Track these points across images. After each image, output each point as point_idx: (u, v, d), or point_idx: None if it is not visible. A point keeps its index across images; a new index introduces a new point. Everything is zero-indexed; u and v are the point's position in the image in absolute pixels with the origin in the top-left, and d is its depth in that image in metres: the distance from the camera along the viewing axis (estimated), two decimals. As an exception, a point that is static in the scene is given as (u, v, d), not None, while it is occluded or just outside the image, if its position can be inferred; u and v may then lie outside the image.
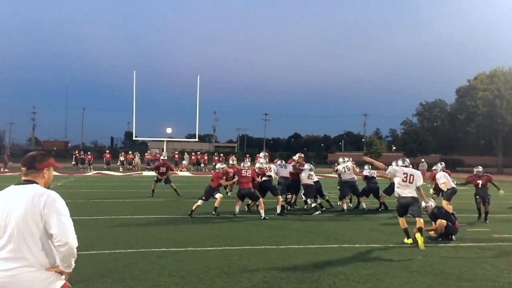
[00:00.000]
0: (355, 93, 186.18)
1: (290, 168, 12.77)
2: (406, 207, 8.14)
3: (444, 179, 11.51)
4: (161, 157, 17.72)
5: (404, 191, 8.09)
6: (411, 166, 8.55)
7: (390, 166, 8.55)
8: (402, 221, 8.34)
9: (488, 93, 52.52)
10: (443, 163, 13.07)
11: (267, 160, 13.12)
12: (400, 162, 8.70)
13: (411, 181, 8.02)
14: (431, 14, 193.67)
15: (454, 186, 11.53)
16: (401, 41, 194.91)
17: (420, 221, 7.86)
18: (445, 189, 11.45)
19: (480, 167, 11.67)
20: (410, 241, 8.12)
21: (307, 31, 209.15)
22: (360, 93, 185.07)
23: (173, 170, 36.26)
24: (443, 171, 12.02)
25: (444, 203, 10.86)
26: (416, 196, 8.14)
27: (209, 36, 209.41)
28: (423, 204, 8.78)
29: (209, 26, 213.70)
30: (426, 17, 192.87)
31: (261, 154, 13.16)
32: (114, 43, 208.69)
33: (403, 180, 8.07)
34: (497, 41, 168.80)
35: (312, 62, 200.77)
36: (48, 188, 2.79)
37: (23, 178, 2.72)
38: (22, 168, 2.72)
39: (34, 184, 2.67)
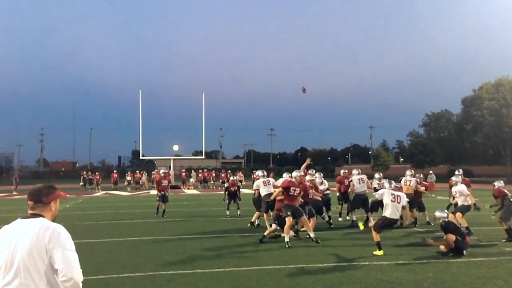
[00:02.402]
0: (360, 106, 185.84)
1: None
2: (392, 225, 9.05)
3: (467, 192, 10.95)
4: (162, 171, 17.52)
5: (396, 211, 8.82)
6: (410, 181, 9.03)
7: (377, 193, 9.30)
8: (377, 236, 8.83)
9: (494, 102, 52.34)
10: (460, 170, 12.67)
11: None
12: (387, 185, 9.25)
13: (398, 201, 8.81)
14: (435, 25, 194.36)
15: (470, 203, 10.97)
16: (405, 52, 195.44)
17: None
18: (467, 203, 10.81)
19: (500, 181, 10.93)
20: (381, 252, 8.56)
21: (311, 44, 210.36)
22: (366, 105, 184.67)
23: (179, 187, 36.52)
24: (463, 181, 11.54)
25: (458, 216, 10.62)
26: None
27: (213, 53, 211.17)
28: (436, 213, 8.83)
29: (212, 43, 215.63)
30: (429, 28, 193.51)
31: (259, 173, 12.93)
32: (120, 64, 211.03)
33: (391, 201, 8.79)
34: (501, 50, 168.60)
35: (315, 75, 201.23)
36: (54, 219, 2.80)
37: (29, 211, 2.72)
38: (29, 202, 2.72)
39: (40, 218, 2.67)
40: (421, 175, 14.79)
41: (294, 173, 10.25)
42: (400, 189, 11.53)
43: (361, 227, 10.27)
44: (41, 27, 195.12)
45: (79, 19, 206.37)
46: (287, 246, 9.30)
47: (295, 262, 7.91)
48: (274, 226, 10.11)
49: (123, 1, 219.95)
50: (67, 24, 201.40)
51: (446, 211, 9.11)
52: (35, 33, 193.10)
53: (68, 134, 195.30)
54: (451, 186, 12.23)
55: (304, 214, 10.00)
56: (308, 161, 13.07)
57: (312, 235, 9.70)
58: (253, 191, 12.95)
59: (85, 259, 7.92)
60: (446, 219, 8.85)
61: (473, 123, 55.27)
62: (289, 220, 9.57)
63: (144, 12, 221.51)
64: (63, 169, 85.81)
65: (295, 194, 9.82)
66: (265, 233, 10.13)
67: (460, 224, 9.88)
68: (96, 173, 39.16)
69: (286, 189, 9.82)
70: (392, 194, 8.86)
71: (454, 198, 12.04)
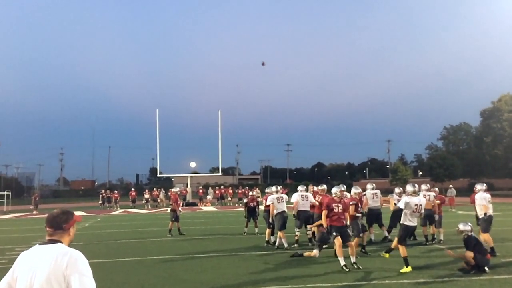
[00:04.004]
0: (377, 119, 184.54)
1: (311, 199, 12.20)
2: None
3: (484, 202, 10.51)
4: (173, 190, 17.48)
5: (414, 219, 8.83)
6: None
7: (401, 203, 8.94)
8: (404, 250, 8.66)
9: (514, 114, 51.54)
10: (484, 184, 12.08)
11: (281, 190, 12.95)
12: (410, 188, 9.02)
13: (420, 211, 8.83)
14: (451, 36, 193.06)
15: (492, 214, 10.65)
16: (422, 64, 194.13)
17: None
18: (481, 212, 10.46)
19: None
20: (409, 269, 8.40)
21: (326, 59, 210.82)
22: (382, 119, 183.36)
23: (196, 205, 36.62)
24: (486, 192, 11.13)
25: (485, 236, 10.09)
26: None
27: (229, 71, 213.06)
28: (460, 226, 8.68)
29: (228, 60, 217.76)
30: (446, 39, 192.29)
31: (273, 189, 12.76)
32: (137, 83, 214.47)
33: (413, 211, 8.70)
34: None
35: (332, 90, 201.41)
36: (70, 243, 2.84)
37: (48, 237, 2.76)
38: (48, 229, 2.76)
39: (58, 244, 2.71)
40: (436, 188, 14.30)
41: (334, 190, 9.63)
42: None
43: (386, 255, 9.83)
44: (60, 48, 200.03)
45: (98, 40, 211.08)
46: (346, 269, 8.59)
47: (313, 281, 7.83)
48: (315, 251, 9.82)
49: (141, 22, 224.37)
50: (87, 45, 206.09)
51: (470, 224, 8.91)
52: (54, 54, 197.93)
53: (87, 153, 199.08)
54: (473, 201, 11.68)
55: (351, 239, 9.42)
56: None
57: (353, 260, 9.05)
58: (264, 208, 12.96)
59: (104, 279, 7.99)
60: (469, 233, 8.66)
61: (493, 136, 54.51)
62: (338, 241, 8.93)
63: (162, 32, 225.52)
64: (82, 188, 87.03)
65: (339, 211, 9.22)
66: (305, 254, 9.98)
67: (486, 243, 9.61)
68: (115, 191, 39.59)
69: (328, 207, 9.26)
70: (415, 205, 8.69)
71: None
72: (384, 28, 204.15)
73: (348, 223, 9.75)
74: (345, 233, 9.19)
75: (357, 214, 10.65)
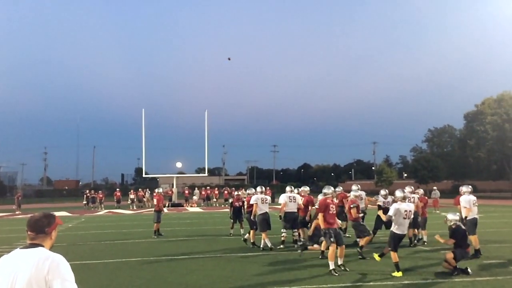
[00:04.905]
0: (363, 121, 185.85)
1: (299, 200, 12.08)
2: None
3: (467, 204, 10.56)
4: (157, 190, 17.27)
5: (405, 227, 8.81)
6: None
7: (391, 212, 8.86)
8: (396, 256, 8.64)
9: (497, 118, 52.43)
10: (470, 186, 12.11)
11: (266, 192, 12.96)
12: (399, 194, 9.02)
13: (410, 217, 8.86)
14: (437, 40, 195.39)
15: (476, 216, 10.76)
16: (407, 67, 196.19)
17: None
18: (465, 215, 10.49)
19: None
20: (400, 274, 8.33)
21: (314, 61, 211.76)
22: (369, 121, 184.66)
23: (182, 205, 36.45)
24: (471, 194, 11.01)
25: (472, 238, 10.17)
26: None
27: (215, 71, 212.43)
28: (448, 216, 8.75)
29: (215, 61, 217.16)
30: (431, 43, 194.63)
31: (258, 189, 12.66)
32: (123, 82, 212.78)
33: (403, 218, 8.67)
34: (503, 65, 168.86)
35: (319, 92, 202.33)
36: (52, 247, 2.79)
37: (29, 241, 2.70)
38: (30, 233, 2.70)
39: (40, 248, 2.66)
40: (421, 190, 14.27)
41: (327, 190, 9.47)
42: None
43: (378, 259, 9.81)
44: (44, 48, 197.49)
45: (83, 39, 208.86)
46: (335, 273, 8.41)
47: (298, 283, 7.83)
48: (317, 246, 9.74)
49: (127, 21, 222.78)
50: (71, 43, 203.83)
51: (458, 214, 9.02)
52: (38, 53, 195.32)
53: (72, 152, 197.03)
54: (456, 203, 11.74)
55: (343, 243, 9.15)
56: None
57: (340, 262, 8.95)
58: (247, 209, 12.93)
59: (87, 281, 7.89)
60: (458, 222, 8.74)
61: (476, 138, 55.31)
62: (333, 247, 8.68)
63: (148, 32, 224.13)
64: (66, 188, 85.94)
65: (333, 212, 9.09)
66: (309, 248, 10.04)
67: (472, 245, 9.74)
68: (99, 191, 39.17)
69: (325, 209, 9.03)
70: (405, 211, 8.67)
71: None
72: (370, 32, 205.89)
73: (340, 225, 9.79)
74: (339, 236, 9.09)
75: (360, 215, 10.75)
